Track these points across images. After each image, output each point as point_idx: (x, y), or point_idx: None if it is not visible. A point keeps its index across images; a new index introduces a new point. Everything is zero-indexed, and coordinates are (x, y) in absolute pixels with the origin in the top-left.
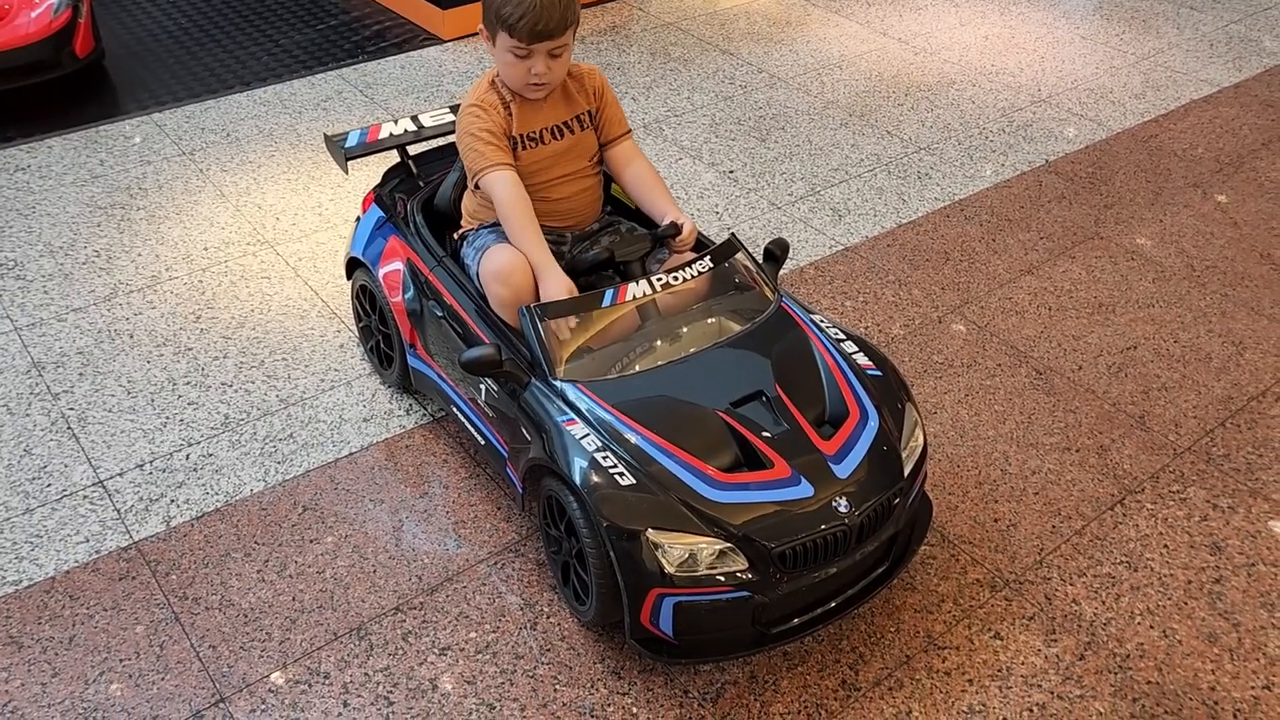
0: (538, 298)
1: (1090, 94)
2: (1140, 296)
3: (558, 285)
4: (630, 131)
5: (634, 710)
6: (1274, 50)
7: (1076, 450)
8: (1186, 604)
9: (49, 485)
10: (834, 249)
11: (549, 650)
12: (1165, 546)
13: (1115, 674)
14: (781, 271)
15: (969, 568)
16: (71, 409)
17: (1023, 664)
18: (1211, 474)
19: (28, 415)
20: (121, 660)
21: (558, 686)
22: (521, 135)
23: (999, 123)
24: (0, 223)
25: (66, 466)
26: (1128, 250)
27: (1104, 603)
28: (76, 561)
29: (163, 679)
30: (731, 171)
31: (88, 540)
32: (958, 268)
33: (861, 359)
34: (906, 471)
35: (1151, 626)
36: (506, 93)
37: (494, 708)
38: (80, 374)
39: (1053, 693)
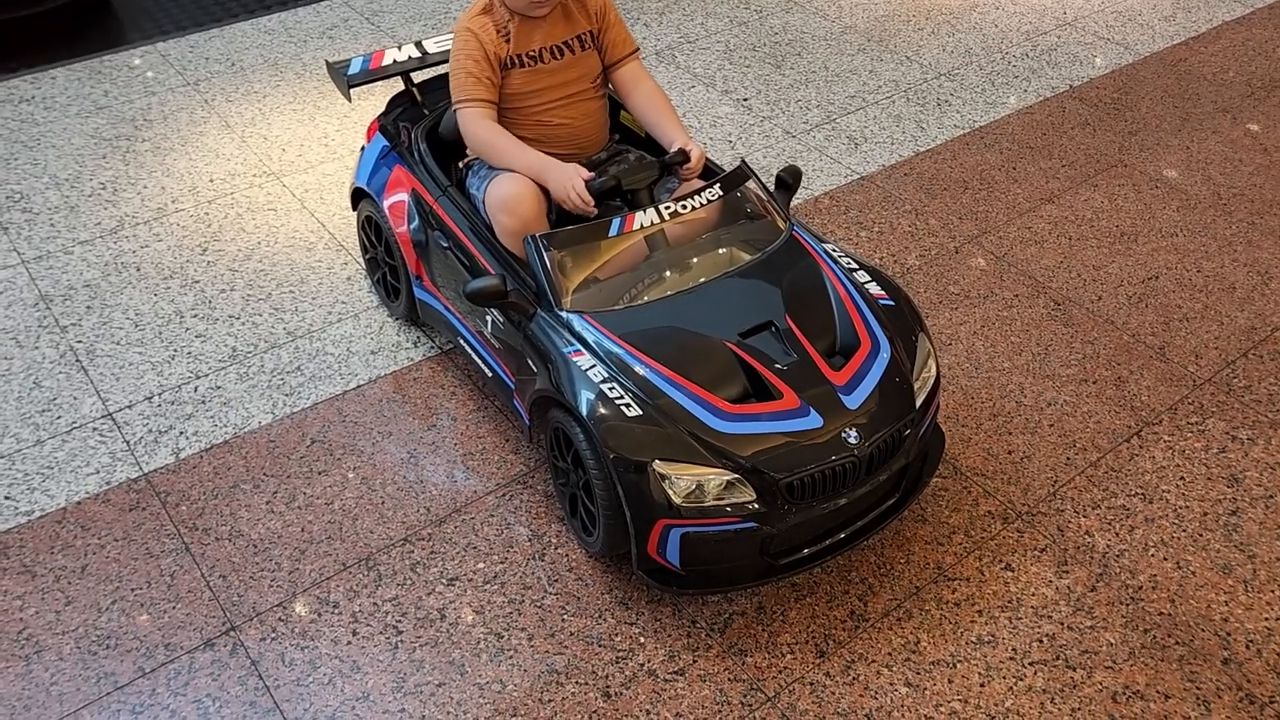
0: (545, 226)
1: (1118, 16)
2: (1164, 225)
3: (568, 171)
4: (637, 51)
5: (641, 640)
6: None
7: (1094, 382)
8: (1201, 536)
9: (59, 417)
10: (850, 178)
11: (557, 581)
12: (1181, 478)
13: (1127, 605)
14: (795, 201)
15: (981, 500)
16: (80, 341)
17: (1033, 595)
18: (1231, 405)
19: (36, 348)
20: (133, 589)
21: (565, 616)
22: (519, 55)
23: (1022, 47)
24: (5, 154)
25: (76, 399)
26: (1152, 178)
27: (1117, 534)
28: (87, 492)
29: (174, 608)
30: (746, 99)
31: (98, 472)
32: (976, 197)
33: (874, 289)
34: (918, 403)
35: (1165, 558)
36: (504, 12)
37: (502, 637)
38: (88, 307)
39: (1063, 623)
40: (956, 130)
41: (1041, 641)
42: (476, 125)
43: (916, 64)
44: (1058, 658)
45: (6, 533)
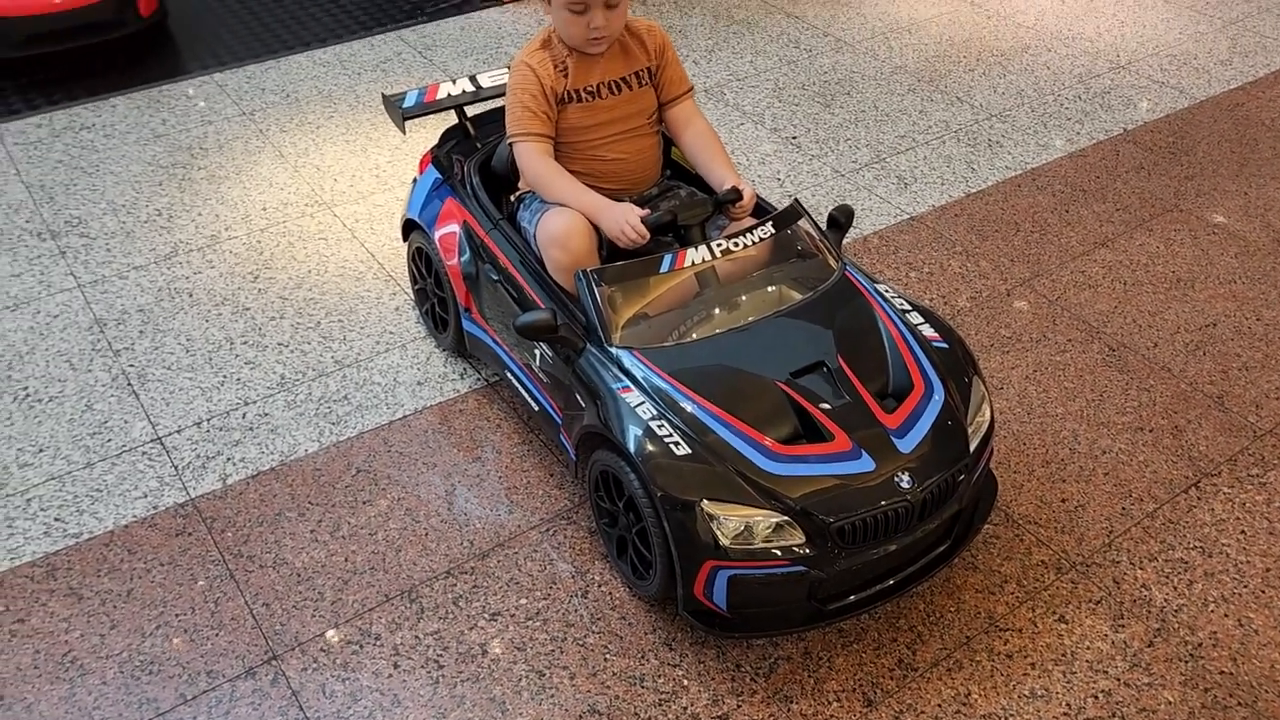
0: (596, 261)
1: (1173, 60)
2: (1221, 272)
3: (621, 211)
4: (691, 89)
5: (684, 682)
6: None
7: (1150, 430)
8: (1264, 592)
9: (109, 440)
10: (899, 218)
11: (600, 619)
12: (1242, 532)
13: (1186, 663)
14: (845, 240)
15: (1034, 548)
16: (132, 365)
17: (1088, 649)
18: None
19: (89, 371)
20: (178, 615)
21: (608, 655)
22: (577, 90)
23: (1075, 90)
24: (65, 180)
25: (126, 422)
26: (1209, 224)
27: (1175, 589)
28: (135, 516)
29: (217, 635)
30: (794, 138)
31: (146, 496)
32: (1028, 239)
33: (927, 330)
34: (972, 447)
35: (1226, 615)
36: (563, 49)
37: (543, 674)
38: (140, 331)
39: (1119, 679)
40: (1008, 172)
41: (1097, 697)
42: (533, 160)
43: (967, 105)
44: (1114, 715)
45: (55, 554)
